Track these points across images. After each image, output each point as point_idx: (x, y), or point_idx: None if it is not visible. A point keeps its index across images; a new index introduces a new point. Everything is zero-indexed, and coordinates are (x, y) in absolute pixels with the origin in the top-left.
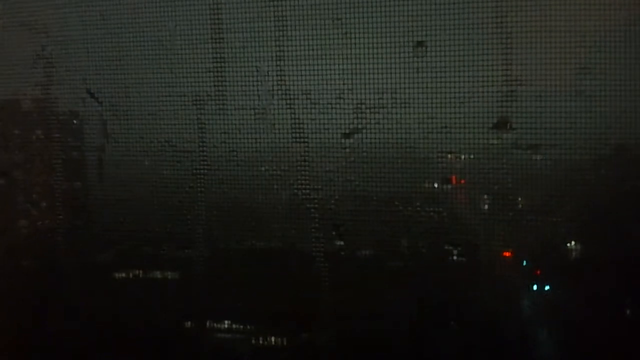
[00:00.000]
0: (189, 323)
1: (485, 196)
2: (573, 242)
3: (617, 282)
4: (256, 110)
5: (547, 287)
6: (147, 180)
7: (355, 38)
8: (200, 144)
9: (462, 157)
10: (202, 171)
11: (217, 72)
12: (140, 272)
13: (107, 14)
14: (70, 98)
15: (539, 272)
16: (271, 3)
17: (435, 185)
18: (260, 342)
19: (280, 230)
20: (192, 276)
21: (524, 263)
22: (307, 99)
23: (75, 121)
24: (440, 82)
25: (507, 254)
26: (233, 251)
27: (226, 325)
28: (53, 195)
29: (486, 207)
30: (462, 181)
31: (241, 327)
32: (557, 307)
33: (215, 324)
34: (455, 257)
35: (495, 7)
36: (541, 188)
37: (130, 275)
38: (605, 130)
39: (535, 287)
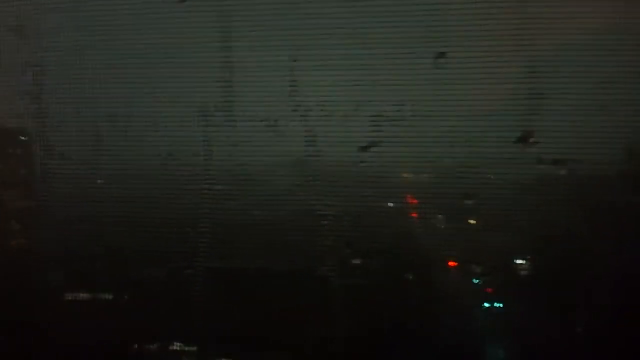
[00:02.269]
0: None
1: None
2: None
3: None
4: (267, 122)
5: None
6: (148, 197)
7: (373, 47)
8: (206, 157)
9: (485, 171)
10: (207, 186)
11: (226, 80)
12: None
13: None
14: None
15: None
16: (285, 9)
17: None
18: None
19: (291, 248)
20: (194, 297)
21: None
22: (321, 110)
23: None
24: (462, 94)
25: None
26: (239, 271)
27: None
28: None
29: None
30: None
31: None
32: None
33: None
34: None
35: (519, 18)
36: (564, 203)
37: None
38: (630, 144)
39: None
